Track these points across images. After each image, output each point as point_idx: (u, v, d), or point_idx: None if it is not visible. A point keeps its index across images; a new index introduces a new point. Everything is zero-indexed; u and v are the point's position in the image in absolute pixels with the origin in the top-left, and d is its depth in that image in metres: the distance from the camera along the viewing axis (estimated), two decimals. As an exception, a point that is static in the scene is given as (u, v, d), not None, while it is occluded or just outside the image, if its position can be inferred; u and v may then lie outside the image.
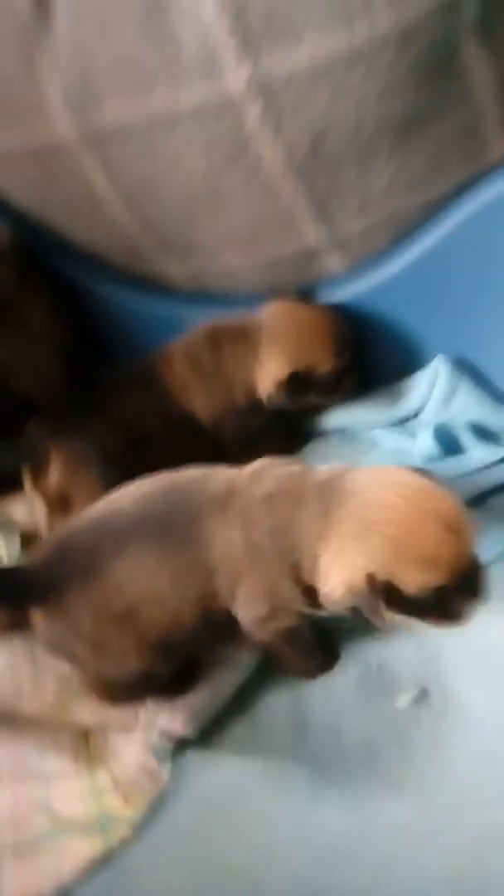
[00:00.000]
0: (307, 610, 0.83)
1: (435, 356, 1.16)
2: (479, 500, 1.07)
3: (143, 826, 0.85)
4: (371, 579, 0.74)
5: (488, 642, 0.90)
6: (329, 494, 0.80)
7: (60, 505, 1.13)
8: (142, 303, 1.26)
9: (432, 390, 1.15)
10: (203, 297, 1.24)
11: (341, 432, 1.23)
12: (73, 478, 1.12)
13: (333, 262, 1.14)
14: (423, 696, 0.89)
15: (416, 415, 1.18)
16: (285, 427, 1.22)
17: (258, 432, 1.18)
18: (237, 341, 1.15)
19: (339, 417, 1.22)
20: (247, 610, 0.84)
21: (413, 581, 0.74)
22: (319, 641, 0.93)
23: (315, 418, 1.23)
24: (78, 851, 0.83)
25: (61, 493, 1.13)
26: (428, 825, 0.80)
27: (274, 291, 1.15)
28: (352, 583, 0.76)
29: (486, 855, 0.76)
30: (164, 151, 1.00)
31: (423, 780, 0.83)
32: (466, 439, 1.12)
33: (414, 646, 0.92)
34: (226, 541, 0.82)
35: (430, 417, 1.15)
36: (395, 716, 0.88)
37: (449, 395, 1.13)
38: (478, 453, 1.10)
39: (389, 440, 1.18)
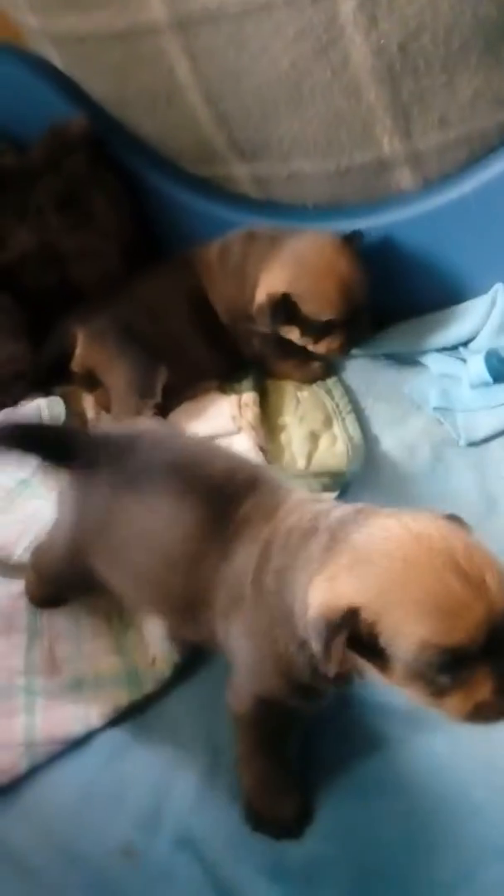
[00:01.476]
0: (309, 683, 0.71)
1: (493, 284, 1.16)
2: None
3: (169, 686, 0.88)
4: (350, 614, 0.60)
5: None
6: (340, 530, 0.67)
7: (87, 379, 1.20)
8: (204, 204, 1.27)
9: (488, 318, 1.15)
10: (265, 205, 1.25)
11: (390, 355, 1.24)
12: (92, 349, 1.18)
13: (404, 178, 1.14)
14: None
15: (467, 342, 1.19)
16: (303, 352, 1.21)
17: (275, 347, 1.19)
18: (266, 243, 1.16)
19: (387, 339, 1.23)
20: (238, 650, 0.74)
21: (408, 633, 0.59)
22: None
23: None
24: (106, 700, 0.87)
25: (85, 366, 1.19)
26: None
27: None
28: (327, 610, 0.61)
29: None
30: (253, 40, 1.00)
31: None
32: (518, 368, 1.12)
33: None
34: (244, 562, 0.72)
35: (483, 344, 1.15)
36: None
37: (504, 324, 1.14)
38: (528, 383, 1.11)
39: (438, 364, 1.19)
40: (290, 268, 1.13)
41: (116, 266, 1.27)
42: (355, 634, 0.61)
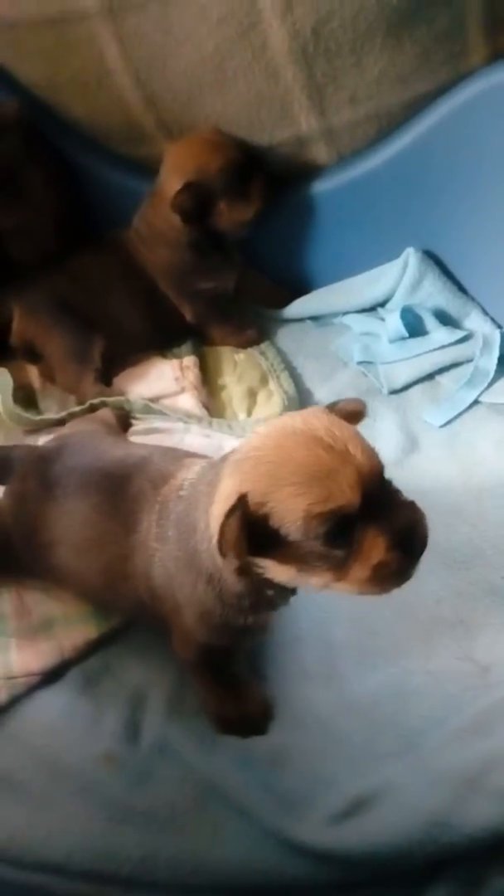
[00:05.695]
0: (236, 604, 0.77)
1: (406, 248, 1.28)
2: (433, 375, 1.22)
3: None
4: (240, 499, 0.65)
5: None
6: (223, 459, 0.73)
7: (27, 351, 1.26)
8: (136, 183, 1.33)
9: (402, 278, 1.27)
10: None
11: (314, 318, 1.35)
12: (28, 322, 1.24)
13: (321, 153, 1.24)
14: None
15: (384, 302, 1.31)
16: (237, 313, 1.32)
17: (217, 310, 1.28)
18: (157, 193, 1.23)
19: (312, 303, 1.34)
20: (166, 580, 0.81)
21: (293, 508, 0.65)
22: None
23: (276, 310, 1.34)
24: (77, 634, 0.93)
25: (24, 339, 1.25)
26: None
27: None
28: (222, 506, 0.67)
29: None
30: (179, 24, 1.08)
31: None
32: (430, 323, 1.24)
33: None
34: (148, 526, 0.81)
35: (398, 303, 1.27)
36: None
37: (416, 283, 1.25)
38: (439, 335, 1.23)
39: (359, 324, 1.30)
40: (173, 170, 1.18)
41: (53, 243, 1.32)
42: (249, 520, 0.65)
